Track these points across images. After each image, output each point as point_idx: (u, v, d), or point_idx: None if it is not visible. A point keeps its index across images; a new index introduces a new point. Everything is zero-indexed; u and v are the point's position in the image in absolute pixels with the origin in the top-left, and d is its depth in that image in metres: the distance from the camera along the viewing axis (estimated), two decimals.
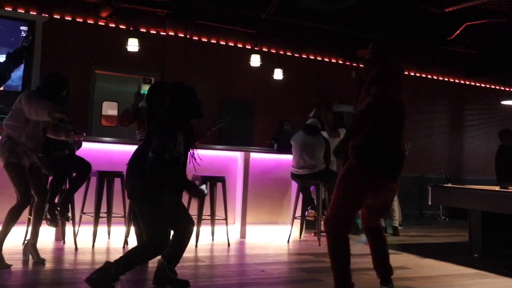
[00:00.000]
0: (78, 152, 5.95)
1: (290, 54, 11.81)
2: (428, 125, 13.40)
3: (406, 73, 12.97)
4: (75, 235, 5.99)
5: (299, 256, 6.59)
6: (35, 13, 9.45)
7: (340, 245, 4.10)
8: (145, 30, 10.31)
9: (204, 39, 10.94)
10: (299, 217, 7.65)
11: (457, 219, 11.31)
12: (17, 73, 9.39)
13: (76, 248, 5.90)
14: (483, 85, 14.30)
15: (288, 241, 7.37)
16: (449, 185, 7.30)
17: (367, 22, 10.87)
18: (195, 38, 10.81)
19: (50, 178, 5.69)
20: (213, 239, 6.95)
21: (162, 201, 4.05)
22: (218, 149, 7.56)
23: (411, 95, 11.66)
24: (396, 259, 6.44)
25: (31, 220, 5.22)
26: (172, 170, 4.13)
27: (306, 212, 7.63)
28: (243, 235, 7.52)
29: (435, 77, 13.56)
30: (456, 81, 13.84)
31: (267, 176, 7.87)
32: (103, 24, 10.03)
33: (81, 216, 6.27)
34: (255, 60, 10.39)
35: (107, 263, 3.96)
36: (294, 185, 7.71)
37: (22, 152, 4.93)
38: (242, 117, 10.96)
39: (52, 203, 5.45)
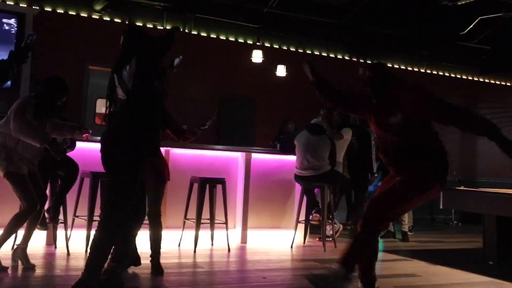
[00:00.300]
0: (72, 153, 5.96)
1: (294, 49, 11.82)
2: (439, 125, 13.35)
3: (416, 69, 13.08)
4: (67, 240, 5.99)
5: (303, 262, 6.58)
6: (25, 6, 9.46)
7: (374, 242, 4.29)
8: (141, 24, 10.32)
9: (204, 34, 10.95)
10: (303, 221, 7.64)
11: (470, 224, 11.30)
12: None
13: (68, 253, 5.89)
14: (497, 82, 14.29)
15: (292, 247, 7.36)
16: (462, 188, 7.29)
17: (376, 16, 10.87)
18: (194, 32, 10.81)
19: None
20: (212, 244, 6.95)
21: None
22: (217, 150, 7.56)
23: None
24: (406, 265, 6.43)
25: (25, 224, 5.21)
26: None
27: (311, 216, 7.62)
28: (244, 240, 7.51)
29: (447, 74, 13.55)
30: (470, 78, 13.83)
31: (269, 178, 7.86)
32: (97, 17, 10.03)
33: (73, 220, 6.26)
34: (257, 56, 10.40)
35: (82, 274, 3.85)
36: (298, 188, 7.70)
37: (19, 159, 4.94)
38: (243, 116, 10.96)
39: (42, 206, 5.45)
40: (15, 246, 5.32)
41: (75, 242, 6.17)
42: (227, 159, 7.61)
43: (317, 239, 7.94)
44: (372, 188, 8.88)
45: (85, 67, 9.99)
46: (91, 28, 9.88)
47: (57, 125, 5.24)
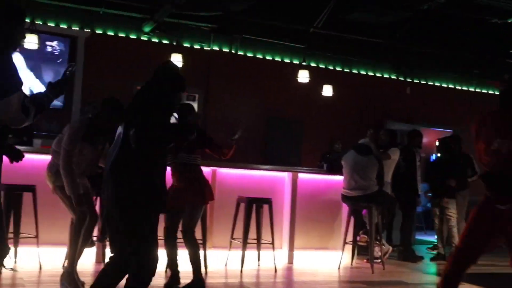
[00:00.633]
0: None
1: (340, 69, 11.77)
2: None
3: (465, 88, 12.84)
4: None
5: (351, 284, 6.47)
6: (77, 29, 9.72)
7: None
8: (188, 45, 10.45)
9: (250, 54, 11.01)
10: (351, 242, 7.52)
11: None
12: None
13: None
14: None
15: (339, 268, 7.25)
16: None
17: (423, 35, 10.73)
18: (241, 53, 10.88)
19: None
20: (259, 264, 6.89)
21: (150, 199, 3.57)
22: (264, 170, 7.54)
23: (470, 111, 11.42)
24: None
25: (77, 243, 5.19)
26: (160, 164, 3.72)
27: (358, 237, 7.51)
28: (290, 260, 7.43)
29: (497, 93, 13.24)
30: None
31: (316, 198, 7.79)
32: (146, 39, 10.21)
33: None
34: (303, 76, 10.37)
35: None
36: (345, 208, 7.60)
37: None
38: (289, 136, 10.94)
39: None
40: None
41: None
42: (273, 179, 7.58)
43: (365, 260, 7.79)
44: (420, 209, 8.71)
45: (133, 88, 10.13)
46: (140, 49, 10.05)
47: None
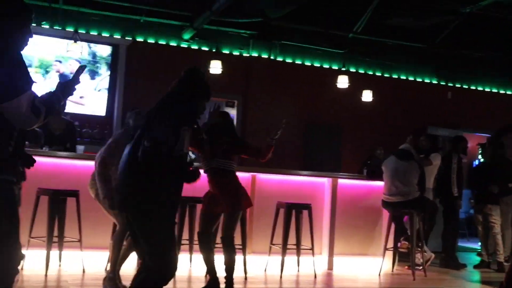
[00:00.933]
0: None
1: (380, 74, 11.68)
2: None
3: (509, 92, 12.59)
4: None
5: None
6: (119, 37, 9.89)
7: None
8: (228, 52, 10.52)
9: (289, 60, 11.02)
10: (391, 249, 7.44)
11: None
12: (101, 97, 9.83)
13: None
14: None
15: (379, 274, 7.17)
16: None
17: (464, 39, 10.57)
18: (280, 59, 10.91)
19: None
20: (298, 270, 6.86)
21: (164, 205, 3.43)
22: (303, 175, 7.53)
23: None
24: None
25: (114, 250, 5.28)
26: (172, 170, 3.48)
27: (399, 243, 7.41)
28: (330, 266, 7.39)
29: None
30: None
31: (356, 204, 7.73)
32: (186, 46, 10.33)
33: None
34: (343, 81, 10.33)
35: None
36: (386, 214, 7.52)
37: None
38: (329, 141, 10.90)
39: None
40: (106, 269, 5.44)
41: None
42: (313, 184, 7.56)
43: (406, 267, 7.68)
44: (463, 215, 8.54)
45: None
46: (179, 56, 10.16)
47: None
